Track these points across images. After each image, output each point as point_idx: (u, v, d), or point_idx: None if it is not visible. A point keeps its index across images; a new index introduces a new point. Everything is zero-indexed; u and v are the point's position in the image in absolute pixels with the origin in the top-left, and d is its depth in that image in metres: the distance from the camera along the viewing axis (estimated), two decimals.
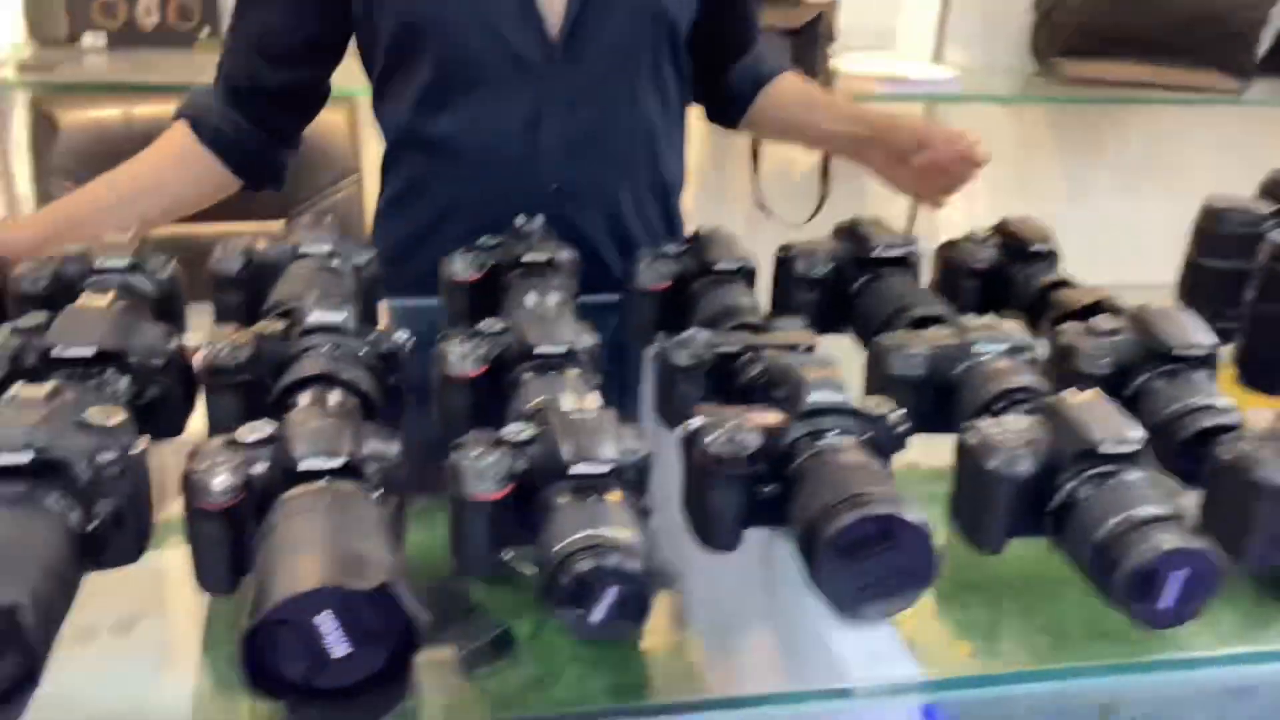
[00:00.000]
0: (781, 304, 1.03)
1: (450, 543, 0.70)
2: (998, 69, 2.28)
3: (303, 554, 0.56)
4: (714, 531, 0.72)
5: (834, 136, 1.35)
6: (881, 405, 0.74)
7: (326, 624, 0.55)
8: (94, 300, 0.79)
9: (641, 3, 1.17)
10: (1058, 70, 2.20)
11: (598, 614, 0.61)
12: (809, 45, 1.90)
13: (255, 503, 0.64)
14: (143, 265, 0.93)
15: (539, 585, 0.63)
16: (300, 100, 1.25)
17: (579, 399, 0.69)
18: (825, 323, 1.01)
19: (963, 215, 2.56)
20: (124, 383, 0.77)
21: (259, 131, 1.21)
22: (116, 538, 0.65)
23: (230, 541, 0.64)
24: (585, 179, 1.21)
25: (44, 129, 1.83)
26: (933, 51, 2.28)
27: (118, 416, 0.65)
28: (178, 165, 1.21)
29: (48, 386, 0.65)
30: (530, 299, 0.85)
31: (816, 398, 0.72)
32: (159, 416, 0.79)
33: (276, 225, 1.97)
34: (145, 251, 0.95)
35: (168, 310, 0.94)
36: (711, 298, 0.98)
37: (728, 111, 1.38)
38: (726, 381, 0.86)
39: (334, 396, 0.68)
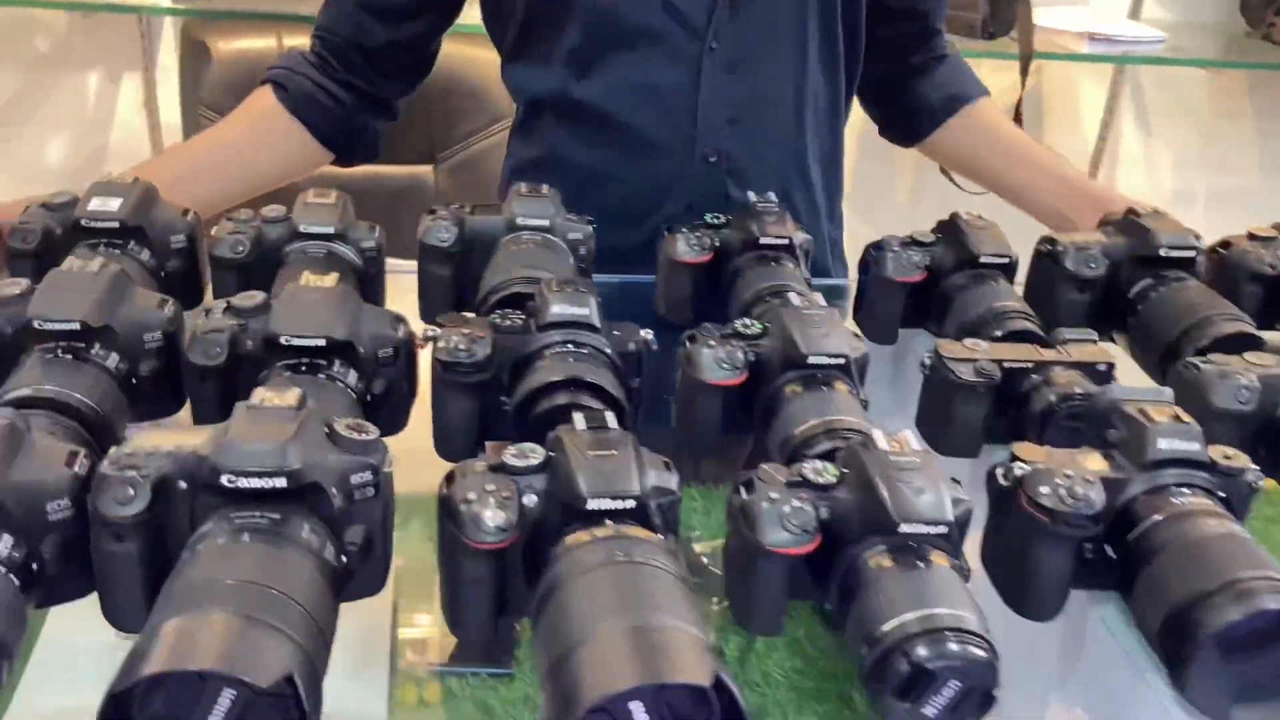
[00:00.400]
0: (1042, 306, 0.91)
1: (730, 592, 0.60)
2: (1200, 27, 2.08)
3: (611, 632, 0.47)
4: (1035, 597, 0.61)
5: (1041, 199, 1.14)
6: (1235, 457, 0.63)
7: (639, 714, 0.47)
8: (318, 279, 0.71)
9: None
10: (1272, 30, 1.99)
11: (933, 709, 0.51)
12: (1008, 1, 1.73)
13: (526, 542, 0.56)
14: (347, 233, 0.85)
15: (858, 666, 0.53)
16: (406, 63, 1.13)
17: (892, 436, 0.59)
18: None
19: (1145, 182, 2.38)
20: (352, 377, 0.68)
21: (354, 99, 1.10)
22: (364, 568, 0.57)
23: (496, 583, 0.56)
24: (746, 150, 1.09)
25: (196, 57, 1.75)
26: (1130, 7, 2.09)
27: (369, 431, 0.57)
28: (261, 135, 1.09)
29: (294, 394, 0.56)
30: (795, 297, 0.74)
31: (1166, 447, 0.61)
32: (381, 411, 0.71)
33: (425, 169, 1.89)
34: (349, 215, 0.86)
35: (372, 284, 0.86)
36: (973, 296, 0.86)
37: (911, 126, 1.21)
38: (1014, 404, 0.75)
39: (609, 417, 0.59)
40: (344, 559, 0.55)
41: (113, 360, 0.68)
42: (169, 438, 0.56)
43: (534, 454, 0.57)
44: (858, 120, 1.22)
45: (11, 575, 0.52)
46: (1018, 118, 1.83)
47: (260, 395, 0.56)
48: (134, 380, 0.69)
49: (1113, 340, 0.92)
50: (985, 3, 1.72)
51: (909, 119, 1.21)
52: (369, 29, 1.09)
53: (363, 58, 1.09)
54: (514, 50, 1.13)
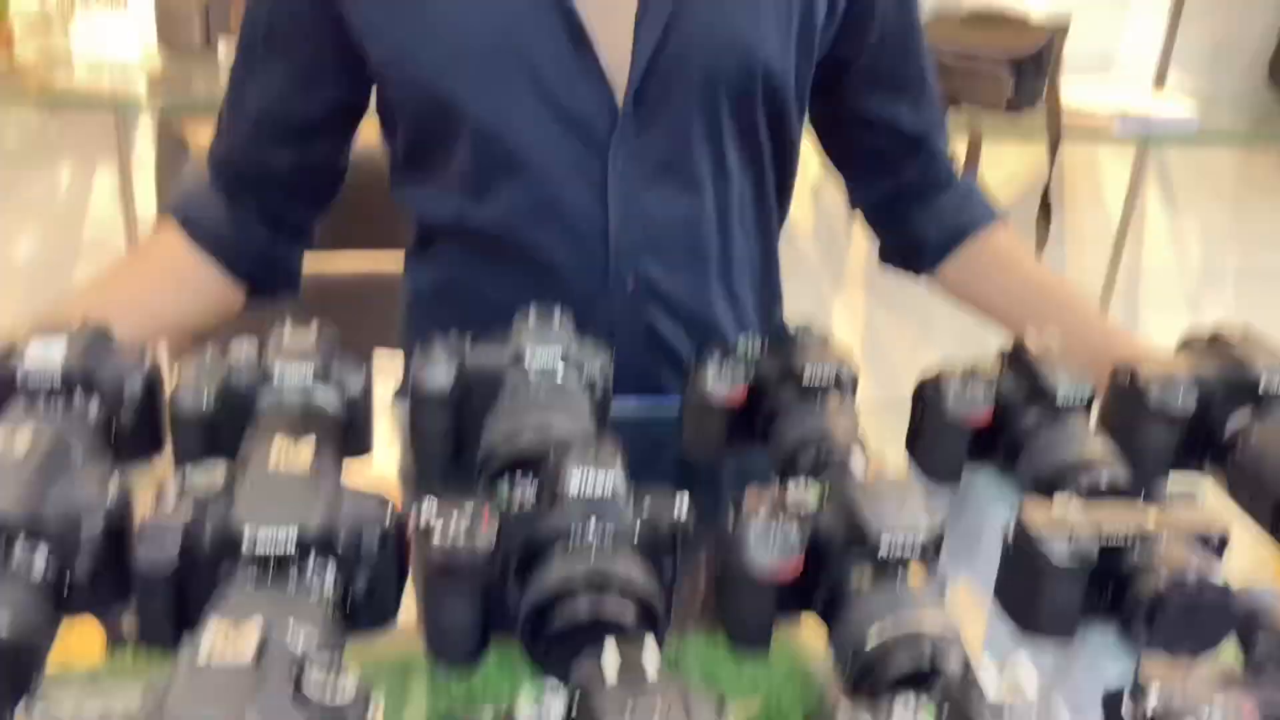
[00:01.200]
0: (1121, 444, 0.79)
1: None
2: (1227, 99, 2.00)
3: None
4: None
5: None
6: None
7: None
8: (290, 454, 0.59)
9: (723, 44, 0.92)
10: None
11: None
12: (1035, 74, 1.64)
13: None
14: (329, 374, 0.73)
15: None
16: (316, 183, 1.02)
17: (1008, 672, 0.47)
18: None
19: (1173, 259, 2.28)
20: (330, 577, 0.57)
21: (268, 229, 0.99)
22: None
23: None
24: (667, 274, 0.98)
25: (172, 151, 1.66)
26: (1154, 76, 2.01)
27: (343, 689, 0.45)
28: (169, 278, 0.97)
29: (252, 639, 0.44)
30: (857, 462, 0.63)
31: None
32: (365, 611, 0.59)
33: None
34: (332, 351, 0.75)
35: (354, 436, 0.74)
36: (1049, 440, 0.75)
37: (908, 259, 1.08)
38: (1114, 579, 0.64)
39: (649, 648, 0.47)
40: None
41: (38, 563, 0.56)
42: (95, 699, 0.44)
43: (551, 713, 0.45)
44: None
45: None
46: (1045, 204, 1.74)
47: (209, 644, 0.44)
48: (68, 586, 0.58)
49: (1200, 471, 0.81)
50: (1010, 73, 1.63)
51: (905, 252, 1.07)
52: (269, 154, 0.98)
53: (270, 184, 0.99)
54: (402, 170, 1.01)
